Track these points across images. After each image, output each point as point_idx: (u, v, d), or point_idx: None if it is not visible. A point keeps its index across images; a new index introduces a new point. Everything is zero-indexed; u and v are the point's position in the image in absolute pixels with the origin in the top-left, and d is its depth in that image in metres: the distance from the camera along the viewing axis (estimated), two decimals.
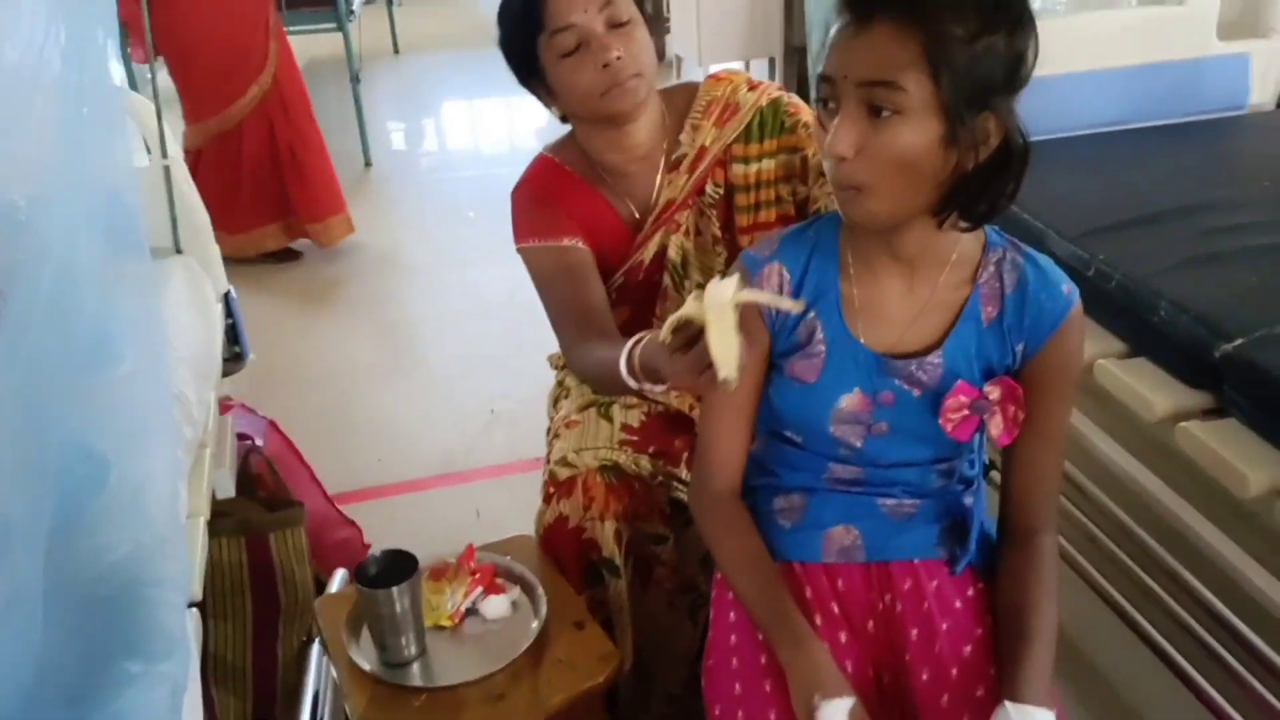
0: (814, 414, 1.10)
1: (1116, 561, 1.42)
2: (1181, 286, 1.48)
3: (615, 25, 1.27)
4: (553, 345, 1.43)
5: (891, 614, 1.10)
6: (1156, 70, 2.14)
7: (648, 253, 1.40)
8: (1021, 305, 1.05)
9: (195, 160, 3.35)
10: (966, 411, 1.05)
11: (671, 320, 0.96)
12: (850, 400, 1.08)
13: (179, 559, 1.10)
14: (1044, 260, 1.07)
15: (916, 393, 1.07)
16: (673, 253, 1.40)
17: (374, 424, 2.62)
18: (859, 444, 1.10)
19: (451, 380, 2.82)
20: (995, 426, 1.05)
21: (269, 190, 3.46)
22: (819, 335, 1.08)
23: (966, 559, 1.11)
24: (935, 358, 1.06)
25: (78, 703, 0.88)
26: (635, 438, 1.38)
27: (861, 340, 1.07)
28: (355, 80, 4.42)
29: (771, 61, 4.35)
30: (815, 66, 1.01)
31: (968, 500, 1.15)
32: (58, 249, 1.09)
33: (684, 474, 1.37)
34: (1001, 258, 1.06)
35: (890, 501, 1.13)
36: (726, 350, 0.94)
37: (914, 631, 1.08)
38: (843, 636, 1.09)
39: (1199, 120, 2.13)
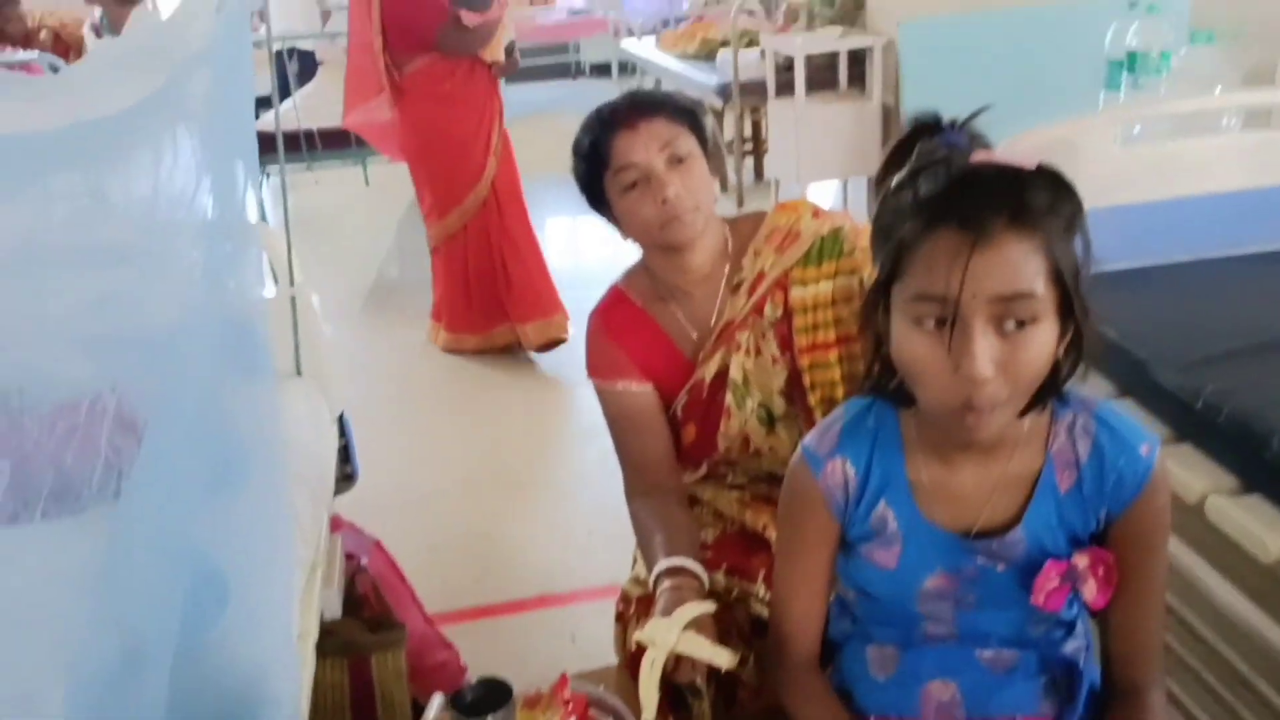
0: (899, 596, 1.10)
1: (1233, 711, 1.35)
2: None
3: (675, 162, 1.37)
4: None
5: None
6: (1262, 195, 2.11)
7: (709, 371, 1.47)
8: (1100, 473, 1.03)
9: (435, 256, 3.70)
10: (1057, 583, 1.03)
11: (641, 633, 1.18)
12: (935, 580, 1.08)
13: (290, 680, 1.15)
14: (1117, 421, 1.05)
15: (1001, 567, 1.06)
16: (734, 372, 1.46)
17: (471, 544, 2.66)
18: (950, 617, 1.10)
19: (550, 501, 2.86)
20: (1089, 592, 1.03)
21: (492, 292, 3.69)
22: (892, 525, 1.07)
23: (1073, 717, 1.08)
24: (1016, 534, 1.05)
25: None
26: (710, 554, 1.42)
27: (937, 523, 1.06)
28: None
29: (870, 180, 4.42)
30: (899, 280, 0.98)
31: (1068, 647, 1.12)
32: (194, 377, 1.17)
33: (761, 591, 1.39)
34: (1072, 423, 1.05)
35: (989, 653, 1.11)
36: (648, 693, 1.15)
37: None
38: None
39: None
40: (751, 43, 4.79)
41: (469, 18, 3.39)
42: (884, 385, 1.06)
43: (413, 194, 3.88)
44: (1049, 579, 1.03)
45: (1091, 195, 1.00)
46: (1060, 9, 3.24)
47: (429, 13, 3.38)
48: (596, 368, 1.50)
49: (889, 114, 4.32)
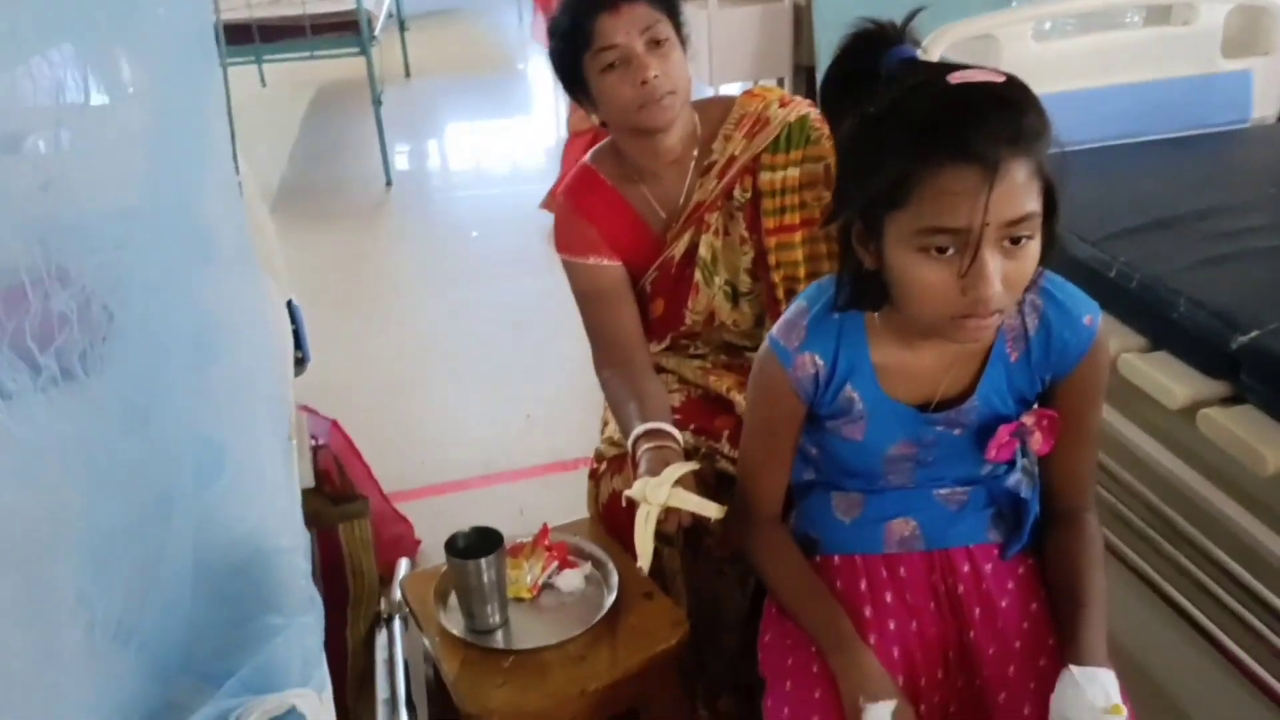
0: (866, 462, 1.20)
1: (1147, 538, 1.53)
2: (1198, 284, 1.58)
3: (654, 45, 1.41)
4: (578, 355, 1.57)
5: (954, 596, 1.19)
6: (1165, 86, 2.26)
7: (678, 249, 1.53)
8: (1047, 344, 1.13)
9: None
10: (1008, 440, 1.15)
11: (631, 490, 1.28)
12: (898, 448, 1.18)
13: (297, 531, 1.20)
14: (1063, 294, 1.13)
15: (958, 432, 1.17)
16: (703, 250, 1.53)
17: (414, 429, 2.72)
18: (911, 473, 1.21)
19: (486, 389, 2.92)
20: (1035, 443, 1.15)
21: None
22: (859, 405, 1.16)
23: (1020, 545, 1.21)
24: (971, 403, 1.15)
25: (228, 655, 0.97)
26: (677, 416, 1.50)
27: (900, 400, 1.16)
28: (377, 103, 4.54)
29: (780, 81, 4.48)
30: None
31: (1010, 480, 1.25)
32: (153, 262, 1.20)
33: (726, 449, 1.49)
34: (1022, 300, 1.09)
35: (944, 490, 1.23)
36: (644, 544, 1.25)
37: (976, 610, 1.17)
38: (891, 624, 1.18)
39: (1206, 133, 2.24)
40: None
41: None
42: (858, 301, 1.11)
43: (314, 94, 3.76)
44: (1001, 438, 1.14)
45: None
46: None
47: None
48: (567, 244, 1.54)
49: (800, 15, 4.36)
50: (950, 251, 0.96)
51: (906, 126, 0.96)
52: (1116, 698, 1.03)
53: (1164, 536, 1.51)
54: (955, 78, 0.96)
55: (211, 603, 1.03)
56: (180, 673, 0.96)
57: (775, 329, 1.19)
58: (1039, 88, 1.00)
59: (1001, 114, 0.94)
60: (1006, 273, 0.97)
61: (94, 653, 0.92)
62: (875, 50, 1.03)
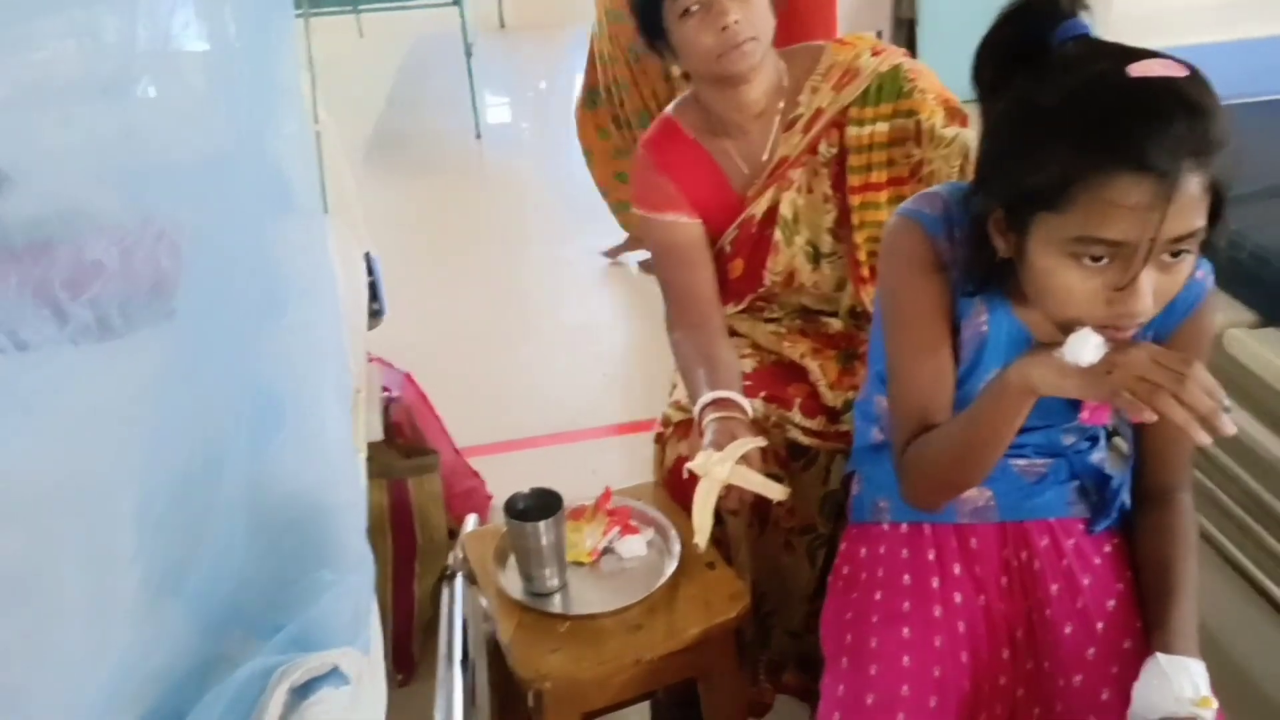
0: (955, 399, 1.12)
1: (1245, 527, 1.43)
2: None
3: None
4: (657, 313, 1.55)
5: (1029, 570, 1.14)
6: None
7: (760, 207, 1.48)
8: None
9: None
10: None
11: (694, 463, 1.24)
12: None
13: (354, 488, 1.20)
14: None
15: None
16: (784, 208, 1.47)
17: (491, 384, 2.73)
18: None
19: (565, 347, 2.91)
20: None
21: None
22: (982, 316, 1.09)
23: (1107, 521, 1.14)
24: None
25: (278, 610, 0.97)
26: (748, 383, 1.45)
27: (1021, 321, 1.08)
28: (469, 54, 4.54)
29: (879, 35, 4.33)
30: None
31: (1094, 456, 1.18)
32: (227, 207, 1.19)
33: (797, 418, 1.44)
34: None
35: (1022, 462, 1.16)
36: (702, 518, 1.23)
37: (1054, 587, 1.12)
38: (958, 598, 1.13)
39: None
40: None
41: None
42: (985, 286, 1.04)
43: (410, 45, 3.78)
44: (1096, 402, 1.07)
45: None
46: None
47: None
48: (645, 199, 1.50)
49: None
50: (1104, 261, 0.89)
51: (1077, 125, 0.88)
52: (1206, 690, 0.97)
53: (1264, 525, 1.42)
54: (1136, 70, 0.87)
55: (264, 557, 1.03)
56: (230, 625, 0.97)
57: (908, 201, 1.11)
58: (1152, 40, 0.92)
59: (1186, 121, 0.84)
60: (1158, 286, 0.90)
61: (146, 603, 0.93)
62: (1044, 22, 0.95)
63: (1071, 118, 0.88)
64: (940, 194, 1.09)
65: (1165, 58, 0.88)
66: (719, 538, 1.43)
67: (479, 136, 4.64)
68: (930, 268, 1.07)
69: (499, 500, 2.21)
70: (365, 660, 0.94)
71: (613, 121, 2.99)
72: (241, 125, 1.24)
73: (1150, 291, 0.89)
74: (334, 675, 0.89)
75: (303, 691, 0.87)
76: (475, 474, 2.18)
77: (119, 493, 0.95)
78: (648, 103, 2.86)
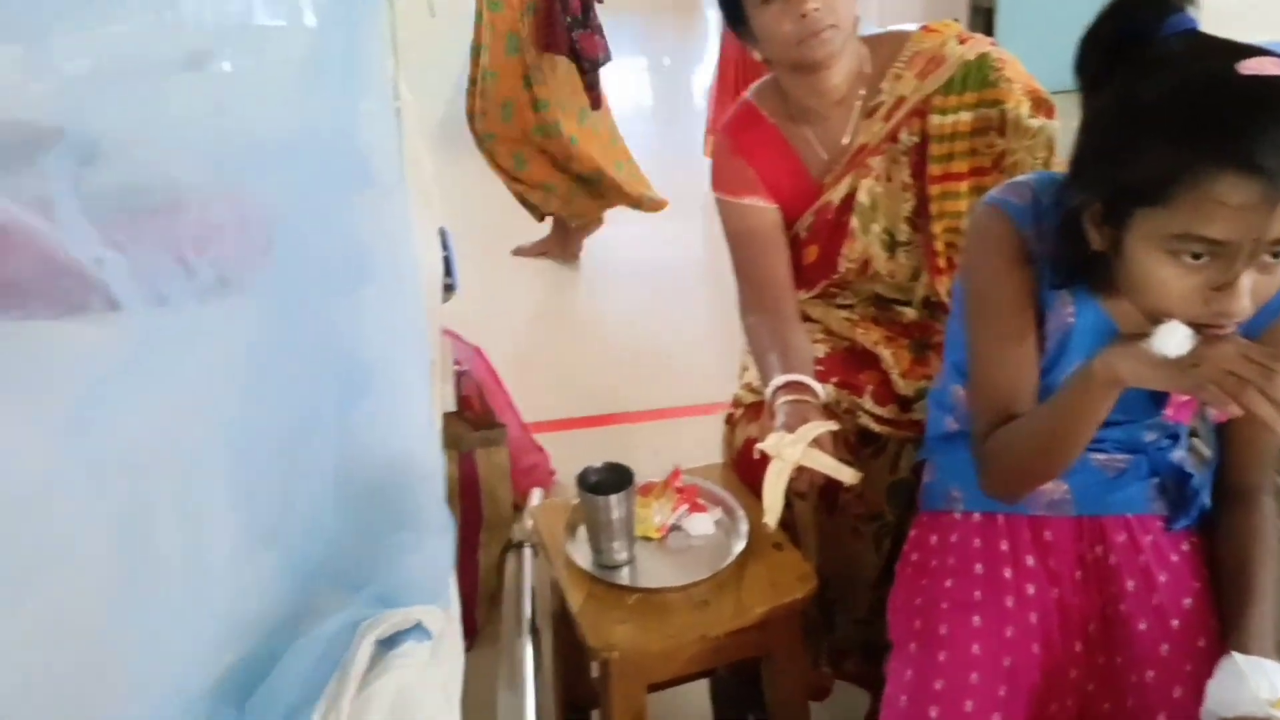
0: (1040, 387, 1.11)
1: None
2: None
3: None
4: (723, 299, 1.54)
5: (1104, 566, 1.14)
6: None
7: (837, 194, 1.47)
8: None
9: None
10: (1188, 398, 1.06)
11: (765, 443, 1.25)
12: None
13: (435, 455, 1.23)
14: None
15: None
16: (862, 196, 1.47)
17: (556, 362, 2.76)
18: None
19: (629, 328, 2.93)
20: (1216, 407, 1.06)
21: None
22: (1068, 308, 1.09)
23: (1186, 520, 1.14)
24: None
25: (364, 568, 1.00)
26: (820, 369, 1.46)
27: (1108, 313, 1.08)
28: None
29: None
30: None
31: (1174, 455, 1.17)
32: (312, 185, 1.23)
33: (868, 405, 1.44)
34: None
35: (1101, 456, 1.15)
36: (773, 499, 1.24)
37: (1130, 583, 1.11)
38: (1030, 589, 1.13)
39: None
40: None
41: None
42: (1074, 279, 1.04)
43: None
44: (1181, 396, 1.06)
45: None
46: None
47: None
48: (723, 182, 1.50)
49: None
50: (1204, 259, 0.89)
51: (1184, 121, 0.87)
52: None
53: None
54: (1246, 68, 0.86)
55: (350, 516, 1.07)
56: (319, 580, 1.00)
57: (995, 190, 1.11)
58: (1241, 33, 0.91)
59: None
60: (1256, 286, 0.90)
61: (242, 555, 0.97)
62: (1150, 15, 0.94)
63: (1178, 114, 0.88)
64: (1029, 184, 1.09)
65: (1274, 55, 0.87)
66: (786, 520, 1.44)
67: None
68: (1017, 257, 1.07)
69: (561, 476, 2.25)
70: (446, 618, 0.97)
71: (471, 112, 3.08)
72: (327, 101, 1.27)
73: (1248, 291, 0.89)
74: (417, 630, 0.92)
75: (388, 644, 0.90)
76: (539, 449, 2.22)
77: (218, 449, 0.98)
78: (510, 97, 2.92)
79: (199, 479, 0.96)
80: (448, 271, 2.14)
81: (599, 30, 3.13)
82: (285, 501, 1.01)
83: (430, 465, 1.20)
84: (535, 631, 1.49)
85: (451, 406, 1.75)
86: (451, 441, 1.80)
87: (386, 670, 0.87)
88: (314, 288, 1.19)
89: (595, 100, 3.16)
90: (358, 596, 0.95)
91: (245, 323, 1.10)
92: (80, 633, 0.85)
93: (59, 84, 0.99)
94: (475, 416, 1.93)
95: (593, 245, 3.47)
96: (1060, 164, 1.35)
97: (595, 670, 1.36)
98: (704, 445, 1.64)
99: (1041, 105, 1.40)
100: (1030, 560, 1.15)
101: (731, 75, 3.65)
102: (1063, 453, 1.05)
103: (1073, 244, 1.00)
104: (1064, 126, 1.27)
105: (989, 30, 4.19)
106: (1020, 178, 1.12)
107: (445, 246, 2.13)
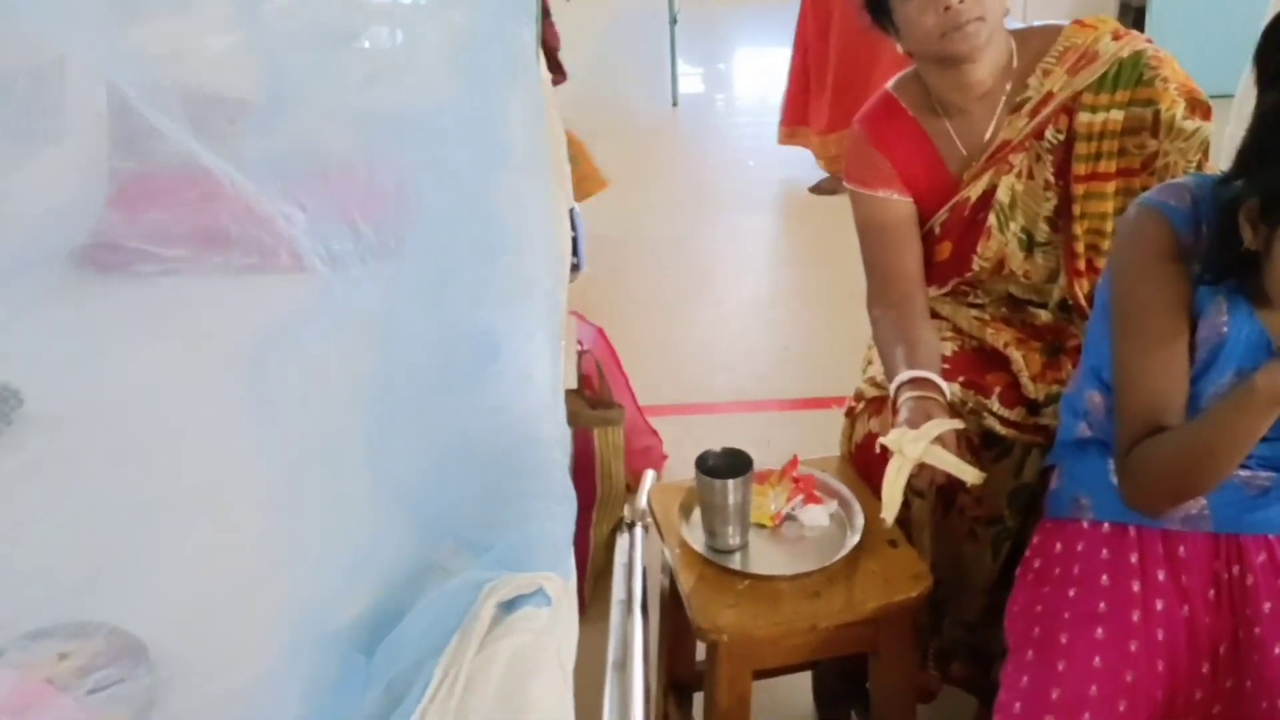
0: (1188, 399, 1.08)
1: None
2: None
3: None
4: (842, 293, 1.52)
5: (1240, 585, 1.09)
6: None
7: (975, 190, 1.44)
8: None
9: None
10: None
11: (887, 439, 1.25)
12: (1222, 385, 1.07)
13: (559, 425, 1.26)
14: None
15: None
16: (1002, 193, 1.43)
17: (673, 347, 2.77)
18: None
19: (746, 317, 2.93)
20: None
21: None
22: (1222, 316, 1.05)
23: None
24: None
25: (488, 530, 1.03)
26: (947, 366, 1.43)
27: (1263, 324, 1.04)
28: (673, 22, 4.57)
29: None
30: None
31: None
32: (456, 158, 1.26)
33: (995, 406, 1.41)
34: None
35: (1244, 473, 1.11)
36: (891, 495, 1.23)
37: (1267, 605, 1.07)
38: (1159, 604, 1.10)
39: None
40: None
41: None
42: (1224, 275, 1.02)
43: (618, 8, 3.85)
44: None
45: None
46: None
47: None
48: (857, 174, 1.48)
49: None
50: None
51: None
52: None
53: None
54: None
55: (476, 478, 1.10)
56: (445, 539, 1.04)
57: (1152, 192, 1.08)
58: None
59: None
60: None
61: (374, 503, 1.01)
62: None
63: None
64: (1188, 186, 1.05)
65: None
66: (902, 518, 1.42)
67: (675, 105, 4.68)
68: (1173, 261, 1.04)
69: (673, 460, 2.26)
70: (565, 586, 0.99)
71: None
72: (476, 80, 1.31)
73: None
74: (538, 595, 0.94)
75: (509, 606, 0.92)
76: (654, 432, 2.24)
77: (358, 402, 1.03)
78: None
79: (341, 431, 1.00)
80: (575, 252, 2.18)
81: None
82: (416, 459, 1.04)
83: (555, 435, 1.23)
84: (644, 610, 1.50)
85: (572, 384, 1.78)
86: (570, 418, 1.83)
87: (507, 633, 0.89)
88: (453, 257, 1.23)
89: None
90: (481, 558, 0.98)
91: (393, 285, 1.15)
92: (233, 567, 0.90)
93: (240, 59, 1.05)
94: (594, 395, 1.95)
95: (711, 234, 3.47)
96: (1212, 168, 1.30)
97: (701, 653, 1.37)
98: (818, 438, 1.62)
99: (1198, 107, 1.34)
100: (1161, 575, 1.11)
101: (801, 61, 3.58)
102: (1215, 469, 1.02)
103: (1226, 239, 0.97)
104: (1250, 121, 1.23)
105: (1139, 30, 4.02)
106: (1178, 180, 1.08)
107: (574, 227, 2.17)
